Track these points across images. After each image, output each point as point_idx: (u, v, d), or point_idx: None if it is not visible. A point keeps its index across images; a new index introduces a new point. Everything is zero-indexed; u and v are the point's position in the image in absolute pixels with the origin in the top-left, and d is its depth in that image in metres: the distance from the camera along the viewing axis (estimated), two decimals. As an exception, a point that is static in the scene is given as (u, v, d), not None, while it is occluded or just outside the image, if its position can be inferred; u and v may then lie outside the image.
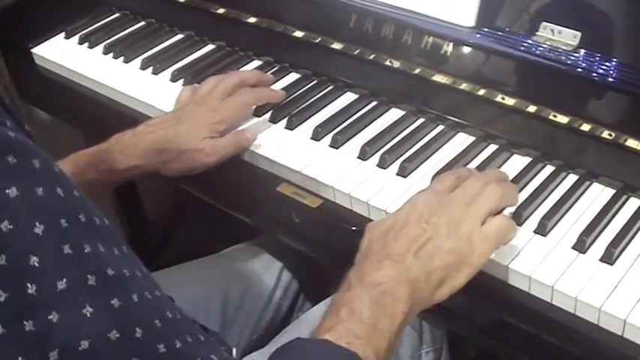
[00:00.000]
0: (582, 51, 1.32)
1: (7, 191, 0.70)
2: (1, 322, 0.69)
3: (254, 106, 1.51)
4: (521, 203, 1.23)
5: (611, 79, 1.29)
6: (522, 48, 1.37)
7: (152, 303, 0.80)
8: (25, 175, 0.72)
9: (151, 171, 1.41)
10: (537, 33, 1.36)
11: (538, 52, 1.35)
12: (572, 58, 1.32)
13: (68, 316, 0.72)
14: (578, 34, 1.32)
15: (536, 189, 1.27)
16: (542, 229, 1.20)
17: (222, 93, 1.45)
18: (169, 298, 1.29)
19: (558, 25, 1.34)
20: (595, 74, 1.30)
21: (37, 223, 0.72)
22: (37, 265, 0.71)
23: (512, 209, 1.22)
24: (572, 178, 1.30)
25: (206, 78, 1.54)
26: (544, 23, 1.35)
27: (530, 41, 1.36)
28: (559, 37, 1.33)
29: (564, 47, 1.33)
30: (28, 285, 0.70)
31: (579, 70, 1.31)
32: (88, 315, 0.73)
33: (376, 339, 0.98)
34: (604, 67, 1.29)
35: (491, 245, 1.11)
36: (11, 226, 0.70)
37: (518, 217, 1.21)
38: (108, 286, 0.76)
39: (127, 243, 0.83)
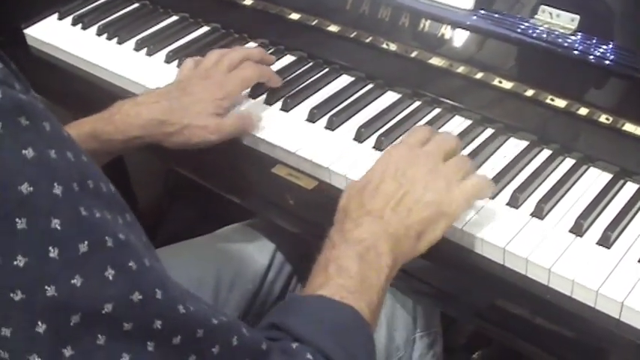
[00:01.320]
0: (580, 34, 1.31)
1: (23, 152, 0.69)
2: (20, 288, 0.68)
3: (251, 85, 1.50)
4: (518, 187, 1.23)
5: (609, 63, 1.28)
6: (520, 31, 1.36)
7: (159, 268, 0.80)
8: (38, 137, 0.71)
9: (152, 142, 1.39)
10: (535, 16, 1.35)
11: (536, 35, 1.34)
12: (569, 41, 1.31)
13: (91, 279, 0.71)
14: (577, 17, 1.31)
15: (533, 172, 1.27)
16: (539, 213, 1.19)
17: (227, 67, 1.44)
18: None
19: (557, 8, 1.33)
20: (593, 57, 1.29)
21: (55, 184, 0.70)
22: (58, 227, 0.70)
23: (509, 193, 1.22)
24: (569, 162, 1.30)
25: None
26: (542, 6, 1.34)
27: (528, 24, 1.35)
28: (557, 21, 1.33)
29: (562, 30, 1.32)
30: (50, 249, 0.69)
31: (577, 53, 1.31)
32: (110, 278, 0.72)
33: (367, 292, 1.01)
34: (602, 50, 1.29)
35: (468, 197, 1.14)
36: (31, 189, 0.68)
37: (515, 200, 1.21)
38: (124, 248, 0.75)
39: (132, 213, 0.82)
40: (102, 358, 0.73)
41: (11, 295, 0.68)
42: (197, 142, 1.37)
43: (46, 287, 0.69)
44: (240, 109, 1.47)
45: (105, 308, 0.72)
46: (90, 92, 1.67)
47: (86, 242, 0.71)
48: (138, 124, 1.36)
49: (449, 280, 1.24)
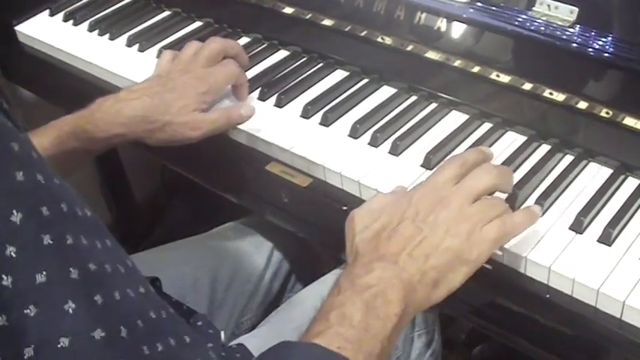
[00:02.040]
0: (579, 27, 1.29)
1: None
2: None
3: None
4: (517, 183, 1.20)
5: (608, 55, 1.26)
6: (518, 23, 1.34)
7: (134, 301, 0.76)
8: (2, 158, 0.68)
9: (134, 139, 1.37)
10: (533, 8, 1.33)
11: (534, 28, 1.32)
12: (568, 33, 1.29)
13: (47, 311, 0.68)
14: (575, 9, 1.29)
15: (532, 168, 1.25)
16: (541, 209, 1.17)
17: (206, 59, 1.41)
18: (156, 280, 1.28)
19: (555, 0, 1.31)
20: (592, 50, 1.27)
21: (14, 211, 0.67)
22: (13, 255, 0.66)
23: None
24: (568, 158, 1.28)
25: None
26: (540, -2, 1.33)
27: (526, 17, 1.33)
28: (555, 13, 1.31)
29: (560, 23, 1.30)
30: (3, 276, 0.66)
31: (575, 46, 1.29)
32: (70, 311, 0.68)
33: (368, 343, 0.94)
34: (601, 43, 1.26)
35: (490, 247, 1.05)
36: None
37: (514, 197, 1.19)
38: (91, 280, 0.71)
39: (111, 232, 0.78)
40: None
41: None
42: (180, 138, 1.35)
43: None
44: (237, 105, 1.45)
45: (61, 342, 0.68)
46: (82, 89, 1.66)
47: (44, 272, 0.68)
48: (119, 122, 1.34)
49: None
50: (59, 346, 0.68)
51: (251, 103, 1.44)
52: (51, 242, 0.69)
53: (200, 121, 1.35)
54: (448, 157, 1.28)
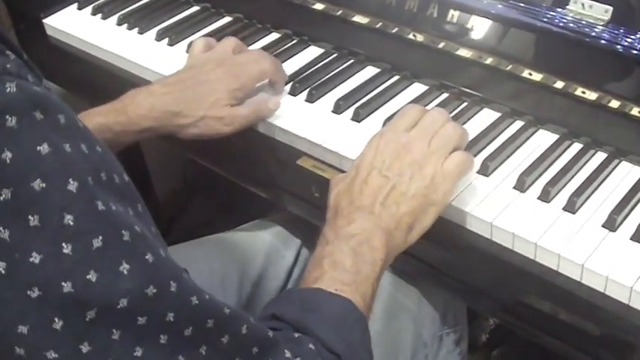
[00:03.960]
0: (614, 26, 1.28)
1: (38, 148, 0.68)
2: (37, 285, 0.68)
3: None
4: (550, 180, 1.21)
5: (642, 54, 1.26)
6: (551, 22, 1.33)
7: (172, 260, 0.80)
8: (53, 131, 0.70)
9: (166, 133, 1.37)
10: (567, 7, 1.32)
11: (568, 26, 1.32)
12: (603, 32, 1.29)
13: (106, 274, 0.71)
14: (610, 8, 1.29)
15: (564, 166, 1.25)
16: (571, 207, 1.17)
17: (244, 57, 1.43)
18: (185, 272, 1.28)
19: (589, -1, 1.31)
20: (625, 49, 1.27)
21: (70, 180, 0.70)
22: (71, 223, 0.69)
23: (540, 187, 1.20)
24: (600, 156, 1.27)
25: None
26: (575, -3, 1.32)
27: (560, 15, 1.33)
28: (590, 12, 1.30)
29: (595, 22, 1.29)
30: (64, 245, 0.69)
31: (609, 44, 1.28)
32: (125, 272, 0.72)
33: (361, 285, 1.03)
34: (636, 41, 1.26)
35: (453, 182, 1.15)
36: (44, 185, 0.68)
37: (547, 195, 1.19)
38: (140, 241, 0.75)
39: (144, 203, 0.82)
40: (117, 353, 0.73)
41: (28, 292, 0.68)
42: (212, 134, 1.36)
43: (62, 283, 0.69)
44: (264, 98, 1.45)
45: (120, 303, 0.72)
46: (110, 83, 1.65)
47: (100, 237, 0.71)
48: (151, 117, 1.34)
49: (479, 275, 1.22)
50: (119, 307, 0.72)
51: (278, 97, 1.44)
52: (103, 208, 0.72)
53: (233, 117, 1.36)
54: (480, 154, 1.28)
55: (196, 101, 1.34)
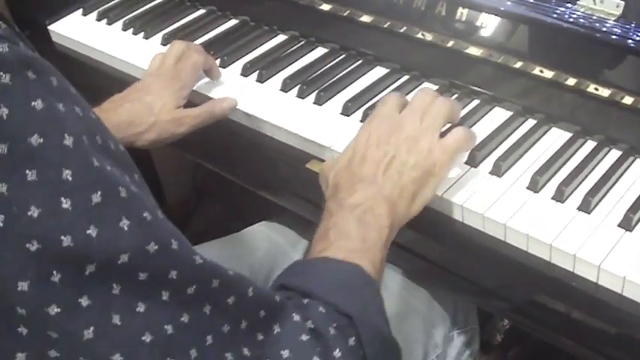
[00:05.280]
0: (625, 21, 1.26)
1: (32, 104, 0.69)
2: (36, 238, 0.68)
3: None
4: (564, 180, 1.19)
5: (656, 51, 1.24)
6: (562, 18, 1.31)
7: (169, 222, 0.80)
8: (46, 90, 0.71)
9: (125, 144, 1.37)
10: (578, 2, 1.31)
11: (578, 22, 1.30)
12: (614, 28, 1.27)
13: (106, 229, 0.72)
14: (622, 3, 1.27)
15: (578, 165, 1.23)
16: (586, 207, 1.15)
17: (173, 60, 1.47)
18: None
19: (599, -6, 1.29)
20: (635, 42, 1.25)
21: (66, 135, 0.70)
22: (70, 178, 0.70)
23: (554, 187, 1.19)
24: (614, 154, 1.25)
25: (230, 54, 1.55)
26: (585, -8, 1.30)
27: (570, 11, 1.31)
28: (601, 7, 1.28)
29: (606, 17, 1.28)
30: (62, 200, 0.69)
31: (621, 40, 1.26)
32: (125, 228, 0.73)
33: (370, 251, 1.03)
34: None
35: (451, 155, 1.15)
36: (41, 140, 0.68)
37: (561, 194, 1.17)
38: (137, 200, 0.75)
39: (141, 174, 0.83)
40: (118, 308, 0.73)
41: (27, 245, 0.68)
42: (167, 136, 1.41)
43: (62, 237, 0.69)
44: (271, 103, 1.45)
45: (120, 258, 0.72)
46: (116, 88, 1.64)
47: (99, 192, 0.71)
48: None
49: (492, 277, 1.21)
50: (119, 262, 0.72)
51: (233, 99, 1.45)
52: (98, 165, 0.72)
53: (184, 117, 1.41)
54: (492, 154, 1.27)
55: (146, 109, 1.40)
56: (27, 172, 0.67)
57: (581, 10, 1.30)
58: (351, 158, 1.15)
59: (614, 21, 1.27)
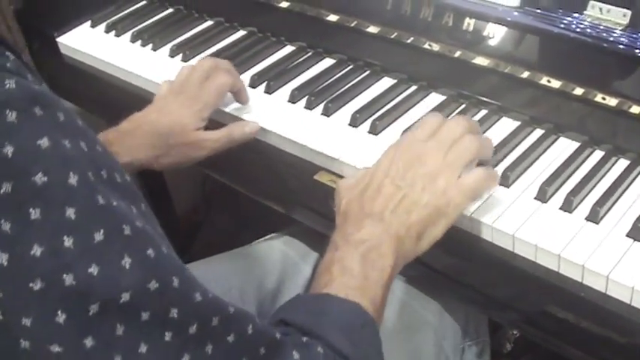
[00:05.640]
0: (632, 30, 1.26)
1: (38, 142, 0.69)
2: (39, 277, 0.68)
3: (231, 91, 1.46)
4: (572, 190, 1.19)
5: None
6: (568, 28, 1.31)
7: (175, 257, 0.80)
8: (52, 126, 0.71)
9: (140, 168, 1.39)
10: (585, 12, 1.30)
11: (585, 32, 1.30)
12: (622, 37, 1.27)
13: (108, 268, 0.72)
14: (628, 12, 1.27)
15: (586, 175, 1.23)
16: (594, 217, 1.15)
17: (198, 78, 1.41)
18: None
19: (606, 3, 1.29)
20: (645, 53, 1.25)
21: (71, 174, 0.70)
22: (73, 217, 0.70)
23: (562, 197, 1.18)
24: (622, 164, 1.25)
25: (238, 65, 1.52)
26: (592, 2, 1.30)
27: (577, 20, 1.31)
28: (608, 16, 1.28)
29: (613, 26, 1.28)
30: (65, 238, 0.69)
31: (629, 49, 1.26)
32: (127, 266, 0.73)
33: (370, 290, 1.03)
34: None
35: (467, 198, 1.13)
36: (45, 178, 0.69)
37: (569, 205, 1.17)
38: (141, 236, 0.76)
39: (147, 204, 0.84)
40: (121, 349, 0.73)
41: (30, 284, 0.68)
42: (185, 160, 1.39)
43: (64, 276, 0.69)
44: (278, 115, 1.45)
45: (122, 297, 0.72)
46: (124, 100, 1.65)
47: (102, 231, 0.72)
48: (122, 152, 1.35)
49: (501, 287, 1.20)
50: (121, 301, 0.72)
51: (256, 124, 1.42)
52: (104, 202, 0.72)
53: (203, 140, 1.38)
54: (500, 165, 1.26)
55: (164, 131, 1.36)
56: (31, 210, 0.68)
57: (589, 19, 1.30)
58: (366, 187, 1.13)
59: (622, 30, 1.27)
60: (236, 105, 1.48)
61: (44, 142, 0.69)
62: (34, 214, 0.68)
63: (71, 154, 0.71)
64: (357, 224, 1.10)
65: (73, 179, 0.70)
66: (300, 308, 1.01)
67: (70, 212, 0.69)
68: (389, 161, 1.15)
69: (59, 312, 0.69)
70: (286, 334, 0.92)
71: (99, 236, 0.71)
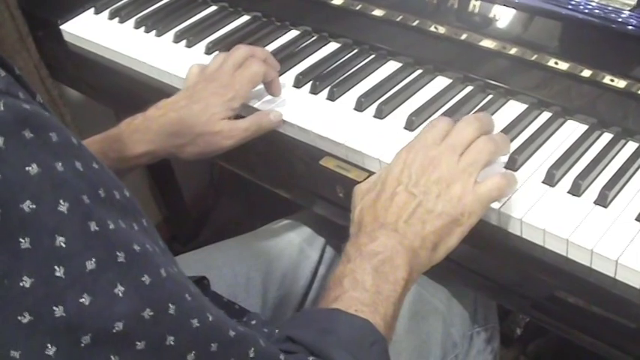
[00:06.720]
0: (640, 10, 1.25)
1: (27, 169, 0.65)
2: (27, 310, 0.65)
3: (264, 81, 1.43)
4: (580, 173, 1.18)
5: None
6: (576, 8, 1.30)
7: (177, 277, 0.77)
8: (43, 150, 0.68)
9: (165, 156, 1.37)
10: (593, -7, 1.29)
11: (593, 13, 1.28)
12: (630, 18, 1.25)
13: (100, 297, 0.68)
14: (636, -8, 1.25)
15: (595, 158, 1.21)
16: (602, 201, 1.14)
17: (232, 66, 1.39)
18: (204, 279, 1.27)
19: (615, -16, 1.28)
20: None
21: (61, 201, 0.67)
22: (63, 245, 0.66)
23: (570, 180, 1.17)
24: (631, 146, 1.24)
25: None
26: (599, -18, 1.29)
27: (585, 1, 1.29)
28: (615, -4, 1.27)
29: (621, 7, 1.26)
30: (56, 268, 0.66)
31: (637, 30, 1.25)
32: (120, 295, 0.70)
33: (382, 305, 1.00)
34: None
35: (483, 204, 1.10)
36: (34, 206, 0.65)
37: (577, 188, 1.16)
38: (137, 262, 0.72)
39: (160, 232, 0.81)
40: None
41: (19, 317, 0.65)
42: (212, 150, 1.35)
43: (54, 308, 0.66)
44: (283, 100, 1.44)
45: (115, 327, 0.69)
46: (129, 86, 1.64)
47: (94, 259, 0.68)
48: (147, 140, 1.33)
49: (509, 273, 1.20)
50: (114, 331, 0.69)
51: (279, 112, 1.40)
52: (97, 229, 0.69)
53: (232, 130, 1.34)
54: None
55: (192, 119, 1.33)
56: (20, 240, 0.65)
57: (596, 0, 1.28)
58: (378, 195, 1.10)
59: (630, 11, 1.26)
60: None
61: (33, 169, 0.66)
62: (24, 243, 0.65)
63: (62, 178, 0.68)
64: (370, 234, 1.07)
65: (63, 206, 0.67)
66: (308, 325, 0.98)
67: (61, 240, 0.67)
68: (401, 166, 1.12)
69: (49, 345, 0.67)
70: (292, 353, 0.90)
71: (90, 264, 0.68)
